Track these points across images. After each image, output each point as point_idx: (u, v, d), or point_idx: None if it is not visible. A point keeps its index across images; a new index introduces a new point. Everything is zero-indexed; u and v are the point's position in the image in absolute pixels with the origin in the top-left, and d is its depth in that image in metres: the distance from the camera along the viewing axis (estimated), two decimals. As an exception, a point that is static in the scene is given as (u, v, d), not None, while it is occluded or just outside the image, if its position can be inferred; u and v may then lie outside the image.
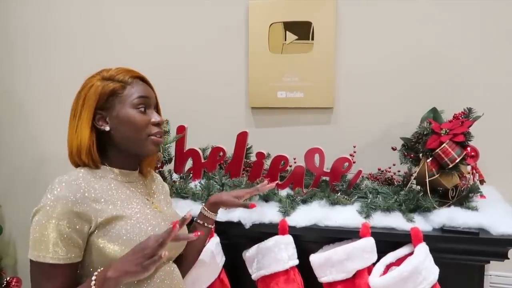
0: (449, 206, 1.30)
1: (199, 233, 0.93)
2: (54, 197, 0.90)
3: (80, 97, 1.05)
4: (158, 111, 1.10)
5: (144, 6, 1.84)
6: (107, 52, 1.91)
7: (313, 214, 1.30)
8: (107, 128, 1.01)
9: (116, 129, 1.01)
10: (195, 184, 1.49)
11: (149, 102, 1.05)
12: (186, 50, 1.81)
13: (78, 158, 1.03)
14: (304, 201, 1.39)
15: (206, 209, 1.21)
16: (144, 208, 1.03)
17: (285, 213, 1.32)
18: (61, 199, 0.90)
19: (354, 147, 1.51)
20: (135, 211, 0.99)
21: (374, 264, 1.22)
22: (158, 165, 1.49)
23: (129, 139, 1.02)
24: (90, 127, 1.02)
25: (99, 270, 0.89)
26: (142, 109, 1.03)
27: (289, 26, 1.68)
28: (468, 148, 1.29)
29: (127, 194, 1.02)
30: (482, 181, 1.44)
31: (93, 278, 0.87)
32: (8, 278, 2.02)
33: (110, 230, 0.93)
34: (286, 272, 1.26)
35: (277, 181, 1.37)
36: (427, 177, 1.28)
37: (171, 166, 1.56)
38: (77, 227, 0.90)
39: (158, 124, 1.05)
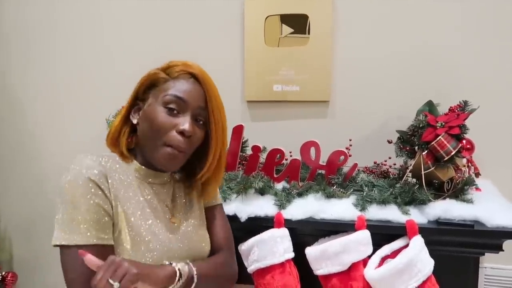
0: (445, 198, 1.30)
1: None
2: (76, 170, 0.83)
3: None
4: (206, 124, 0.92)
5: (138, 1, 1.82)
6: (104, 48, 1.89)
7: (308, 207, 1.30)
8: (135, 121, 0.93)
9: (141, 125, 0.91)
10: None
11: (184, 105, 0.88)
12: (181, 43, 1.80)
13: (109, 145, 0.95)
14: (300, 194, 1.39)
15: None
16: (159, 218, 0.92)
17: (281, 206, 1.32)
18: (83, 172, 0.83)
19: (350, 140, 1.50)
20: (145, 221, 0.89)
21: (369, 256, 1.22)
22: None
23: (146, 140, 0.90)
24: (125, 118, 0.94)
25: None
26: (172, 110, 0.87)
27: (286, 19, 1.67)
28: (464, 141, 1.30)
29: (146, 198, 0.92)
30: (477, 174, 1.44)
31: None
32: (3, 273, 2.02)
33: (116, 232, 0.86)
34: (281, 265, 1.26)
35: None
36: (422, 170, 1.28)
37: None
38: (102, 202, 0.83)
39: (183, 134, 0.87)
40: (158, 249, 0.89)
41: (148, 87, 0.92)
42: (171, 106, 0.87)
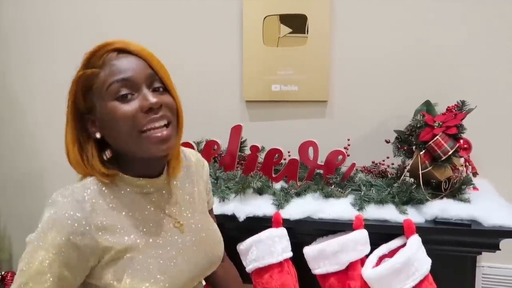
0: (442, 198, 1.30)
1: None
2: (50, 219, 0.72)
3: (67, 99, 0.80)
4: (166, 90, 0.79)
5: (136, 0, 1.83)
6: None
7: (307, 206, 1.31)
8: (98, 135, 0.78)
9: (106, 134, 0.78)
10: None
11: (134, 82, 0.74)
12: (179, 43, 1.80)
13: (82, 172, 0.81)
14: (298, 194, 1.39)
15: None
16: (161, 231, 0.82)
17: (279, 206, 1.32)
18: (58, 223, 0.71)
19: (348, 140, 1.51)
20: (150, 239, 0.79)
21: (367, 256, 1.22)
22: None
23: (122, 143, 0.76)
24: (78, 140, 0.81)
25: None
26: (125, 96, 0.74)
27: (284, 19, 1.67)
28: (461, 141, 1.30)
29: (144, 213, 0.81)
30: (475, 174, 1.45)
31: None
32: (3, 273, 2.02)
33: (120, 263, 0.75)
34: (280, 264, 1.26)
35: None
36: (420, 170, 1.29)
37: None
38: (72, 262, 0.71)
39: (151, 110, 0.74)
40: (174, 262, 0.81)
41: (84, 92, 0.78)
42: (122, 93, 0.74)
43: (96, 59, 0.76)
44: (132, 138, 0.74)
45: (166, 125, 0.77)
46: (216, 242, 0.96)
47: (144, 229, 0.79)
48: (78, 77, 0.78)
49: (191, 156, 1.03)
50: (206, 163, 1.05)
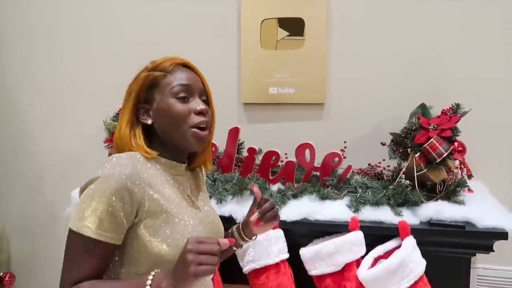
0: (437, 200, 1.32)
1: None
2: (109, 170, 0.84)
3: (126, 92, 0.99)
4: (208, 101, 1.01)
5: (137, 3, 1.84)
6: (102, 50, 1.91)
7: (303, 208, 1.32)
8: (149, 122, 0.96)
9: (158, 122, 0.95)
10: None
11: (191, 90, 0.96)
12: (178, 46, 1.81)
13: (124, 149, 0.95)
14: (295, 196, 1.40)
15: (240, 231, 1.12)
16: (186, 208, 0.96)
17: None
18: (117, 172, 0.84)
19: (345, 142, 1.52)
20: (180, 210, 0.93)
21: (362, 257, 1.24)
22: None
23: (171, 132, 0.94)
24: (131, 122, 0.96)
25: (156, 272, 0.81)
26: (184, 98, 0.94)
27: (282, 22, 1.69)
28: (456, 143, 1.32)
29: (173, 189, 0.95)
30: (470, 176, 1.46)
31: (150, 278, 0.80)
32: (1, 274, 2.03)
33: (158, 225, 0.87)
34: (276, 265, 1.28)
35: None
36: (415, 172, 1.30)
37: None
38: (127, 206, 0.83)
39: (201, 113, 0.95)
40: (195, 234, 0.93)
41: (149, 87, 0.96)
42: (181, 95, 0.94)
43: (166, 66, 0.96)
44: (181, 130, 0.93)
45: (205, 128, 0.97)
46: (219, 222, 1.09)
47: (176, 200, 0.94)
48: (147, 75, 0.96)
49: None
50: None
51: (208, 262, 0.75)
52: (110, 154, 1.48)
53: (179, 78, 0.95)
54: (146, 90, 0.96)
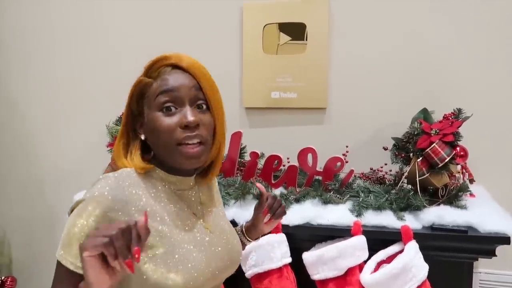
0: (439, 204, 1.32)
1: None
2: (92, 194, 0.76)
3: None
4: (209, 109, 0.83)
5: (138, 7, 1.85)
6: (103, 53, 1.92)
7: (306, 212, 1.33)
8: (143, 137, 0.85)
9: (149, 138, 0.84)
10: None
11: (178, 98, 0.80)
12: (180, 51, 1.81)
13: (121, 165, 0.86)
14: (297, 200, 1.41)
15: (243, 233, 1.09)
16: (192, 228, 0.86)
17: (278, 211, 1.33)
18: (99, 198, 0.75)
19: (347, 146, 1.53)
20: (182, 232, 0.83)
21: (365, 261, 1.24)
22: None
23: (159, 150, 0.82)
24: (126, 136, 0.86)
25: None
26: (169, 109, 0.80)
27: (284, 27, 1.70)
28: (458, 148, 1.32)
29: (177, 207, 0.85)
30: (471, 180, 1.47)
31: None
32: (3, 277, 2.02)
33: (154, 252, 0.77)
34: (279, 269, 1.28)
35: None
36: (417, 176, 1.31)
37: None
38: None
39: (187, 127, 0.79)
40: (201, 261, 0.84)
41: (139, 97, 0.84)
42: (166, 105, 0.80)
43: (153, 70, 0.83)
44: (168, 148, 0.80)
45: (199, 143, 0.81)
46: (237, 241, 0.99)
47: (175, 222, 0.83)
48: (137, 82, 0.84)
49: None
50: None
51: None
52: (113, 158, 1.49)
53: (164, 85, 0.80)
54: (136, 101, 0.84)
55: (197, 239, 0.85)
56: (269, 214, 1.03)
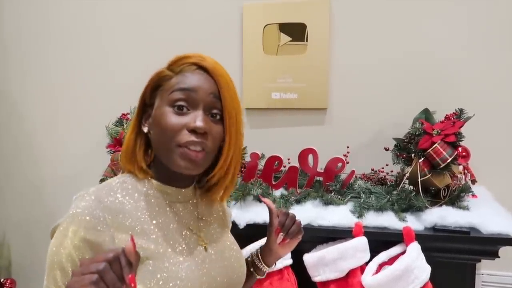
0: (441, 205, 1.31)
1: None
2: (70, 215, 0.72)
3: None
4: (223, 120, 0.78)
5: (137, 7, 1.84)
6: (104, 55, 1.91)
7: (306, 214, 1.31)
8: (146, 129, 0.81)
9: (152, 132, 0.80)
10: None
11: (194, 99, 0.76)
12: (180, 51, 1.81)
13: (124, 163, 0.83)
14: (298, 201, 1.40)
15: (259, 258, 1.00)
16: (184, 243, 0.80)
17: (279, 213, 1.33)
18: (76, 218, 0.71)
19: (348, 147, 1.52)
20: (172, 247, 0.77)
21: (367, 263, 1.23)
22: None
23: (159, 148, 0.78)
24: (136, 126, 0.83)
25: None
26: (181, 107, 0.76)
27: (284, 28, 1.69)
28: (460, 148, 1.31)
29: (168, 220, 0.80)
30: (473, 181, 1.46)
31: None
32: (2, 280, 2.02)
33: (141, 273, 0.72)
34: (280, 271, 1.27)
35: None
36: (419, 177, 1.30)
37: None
38: (91, 254, 0.70)
39: (195, 131, 0.74)
40: (192, 278, 0.78)
41: (154, 88, 0.81)
42: (179, 103, 0.76)
43: (176, 65, 0.80)
44: (167, 147, 0.76)
45: (202, 151, 0.76)
46: (239, 264, 0.91)
47: (166, 237, 0.78)
48: (158, 73, 0.81)
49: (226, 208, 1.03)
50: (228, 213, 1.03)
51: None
52: (112, 160, 1.49)
53: (183, 81, 0.77)
54: (150, 91, 0.81)
55: (189, 255, 0.79)
56: (282, 234, 0.92)
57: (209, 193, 0.88)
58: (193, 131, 0.75)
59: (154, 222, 0.78)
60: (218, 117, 0.79)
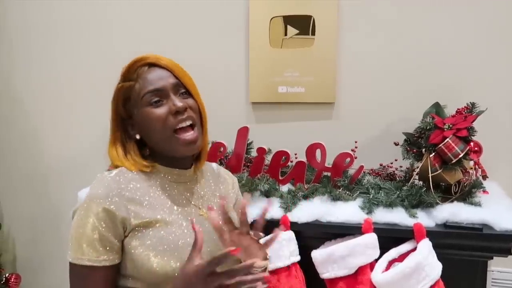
0: (452, 201, 1.28)
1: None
2: (90, 194, 0.86)
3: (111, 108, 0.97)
4: (190, 94, 0.94)
5: (144, 1, 1.82)
6: (108, 49, 1.89)
7: (314, 209, 1.29)
8: (137, 137, 0.94)
9: (143, 135, 0.94)
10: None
11: (163, 91, 0.90)
12: (186, 45, 1.79)
13: (128, 167, 0.95)
14: (306, 197, 1.37)
15: None
16: (189, 215, 0.94)
17: (287, 209, 1.31)
18: (95, 197, 0.85)
19: (356, 142, 1.49)
20: (177, 218, 0.91)
21: (376, 260, 1.21)
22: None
23: (158, 143, 0.92)
24: (120, 140, 0.95)
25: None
26: (157, 102, 0.90)
27: (290, 20, 1.66)
28: (472, 143, 1.29)
29: (173, 197, 0.94)
30: (485, 177, 1.43)
31: None
32: (7, 275, 2.02)
33: (147, 235, 0.86)
34: (287, 268, 1.25)
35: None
36: (429, 172, 1.27)
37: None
38: (112, 226, 0.84)
39: (178, 112, 0.89)
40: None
41: (124, 102, 0.94)
42: (154, 100, 0.90)
43: (131, 73, 0.94)
44: (165, 137, 0.90)
45: (192, 126, 0.92)
46: None
47: (171, 209, 0.92)
48: (118, 89, 0.95)
49: (226, 176, 1.16)
50: (235, 179, 1.19)
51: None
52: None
53: (146, 84, 0.90)
54: (123, 105, 0.94)
55: (188, 226, 0.91)
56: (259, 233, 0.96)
57: (199, 164, 1.03)
58: (177, 112, 0.89)
59: (161, 196, 0.92)
60: (185, 94, 0.94)
